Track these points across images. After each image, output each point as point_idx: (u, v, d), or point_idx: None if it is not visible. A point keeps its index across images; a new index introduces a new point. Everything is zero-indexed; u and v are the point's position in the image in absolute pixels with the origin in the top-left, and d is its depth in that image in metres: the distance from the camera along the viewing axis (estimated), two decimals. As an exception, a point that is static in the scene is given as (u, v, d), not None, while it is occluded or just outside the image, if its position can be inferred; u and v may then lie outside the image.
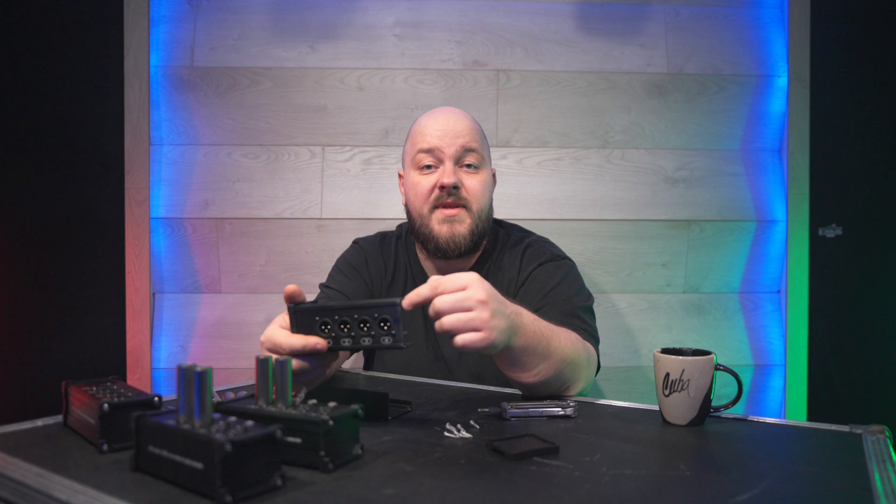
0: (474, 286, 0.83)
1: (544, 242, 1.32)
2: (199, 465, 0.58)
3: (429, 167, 1.23)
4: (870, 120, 1.75)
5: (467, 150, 1.22)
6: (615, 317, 1.74)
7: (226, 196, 1.72)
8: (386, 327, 0.82)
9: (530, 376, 0.95)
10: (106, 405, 0.69)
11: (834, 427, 0.84)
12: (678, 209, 1.74)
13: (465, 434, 0.80)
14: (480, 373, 1.22)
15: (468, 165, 1.23)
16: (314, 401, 0.71)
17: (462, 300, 0.82)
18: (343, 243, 1.43)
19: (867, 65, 1.75)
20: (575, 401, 0.93)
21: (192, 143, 1.71)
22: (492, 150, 1.69)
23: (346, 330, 0.84)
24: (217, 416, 0.63)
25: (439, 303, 0.82)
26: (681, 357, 0.84)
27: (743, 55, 1.75)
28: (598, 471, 0.67)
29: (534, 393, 0.98)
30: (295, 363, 0.82)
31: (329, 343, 0.85)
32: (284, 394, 0.69)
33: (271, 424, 0.60)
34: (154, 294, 1.71)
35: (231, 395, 0.78)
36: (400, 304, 0.81)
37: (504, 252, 1.29)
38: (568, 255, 1.29)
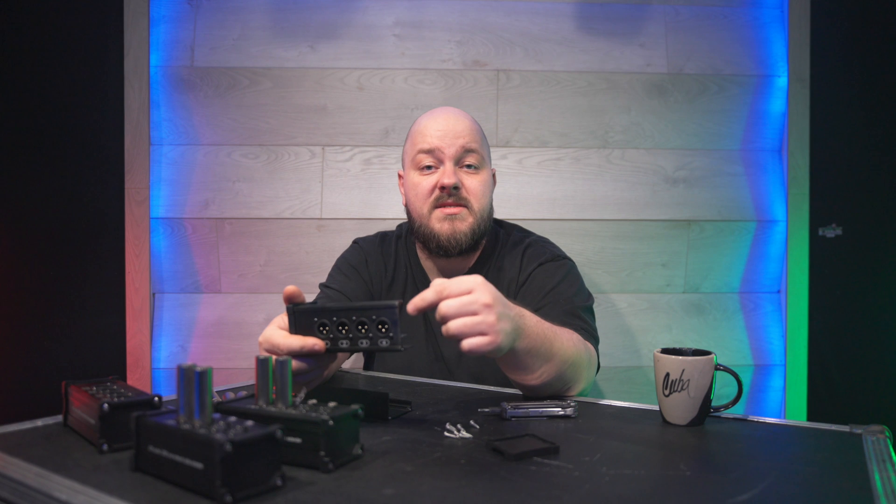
0: (479, 289, 0.82)
1: (544, 242, 1.32)
2: (199, 465, 0.58)
3: (429, 167, 1.23)
4: (870, 120, 1.75)
5: (467, 151, 1.22)
6: (615, 317, 1.74)
7: (226, 196, 1.72)
8: (384, 329, 0.82)
9: (533, 378, 0.95)
10: (106, 405, 0.69)
11: (834, 427, 0.84)
12: (678, 209, 1.74)
13: (465, 434, 0.80)
14: (480, 373, 1.22)
15: (468, 166, 1.23)
16: (314, 401, 0.71)
17: (468, 304, 0.81)
18: (343, 243, 1.43)
19: (867, 65, 1.75)
20: (575, 401, 0.93)
21: (192, 143, 1.71)
22: (492, 150, 1.69)
23: (344, 331, 0.84)
24: (217, 416, 0.63)
25: (445, 307, 0.81)
26: (681, 357, 0.84)
27: (743, 55, 1.75)
28: (598, 471, 0.67)
29: (535, 394, 0.98)
30: (293, 364, 0.82)
31: (327, 344, 0.85)
32: (284, 394, 0.69)
33: (271, 424, 0.60)
34: (154, 294, 1.71)
35: (231, 395, 0.78)
36: (398, 307, 0.81)
37: (504, 252, 1.29)
38: (568, 255, 1.29)
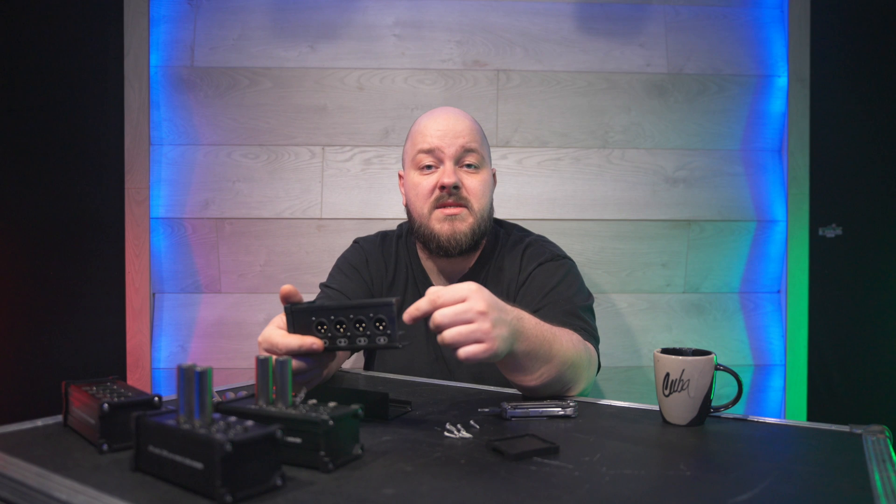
0: (473, 297, 0.82)
1: (544, 242, 1.32)
2: (199, 465, 0.58)
3: (429, 167, 1.23)
4: (870, 120, 1.75)
5: (467, 151, 1.22)
6: (615, 317, 1.74)
7: (226, 196, 1.72)
8: (381, 327, 0.81)
9: (532, 379, 0.95)
10: (106, 405, 0.69)
11: (834, 427, 0.84)
12: (678, 209, 1.74)
13: (465, 434, 0.80)
14: (480, 373, 1.22)
15: (468, 165, 1.23)
16: (314, 401, 0.71)
17: (462, 312, 0.81)
18: (343, 243, 1.43)
19: (867, 65, 1.75)
20: (575, 401, 0.93)
21: (192, 143, 1.71)
22: (492, 150, 1.69)
23: (341, 330, 0.83)
24: (217, 416, 0.63)
25: (439, 316, 0.81)
26: (681, 357, 0.84)
27: (743, 55, 1.75)
28: (598, 471, 0.67)
29: (535, 394, 0.98)
30: (292, 363, 0.82)
31: (325, 343, 0.84)
32: (284, 394, 0.69)
33: (271, 424, 0.60)
34: (154, 294, 1.71)
35: (231, 395, 0.78)
36: (395, 304, 0.80)
37: (504, 252, 1.29)
38: (568, 254, 1.29)
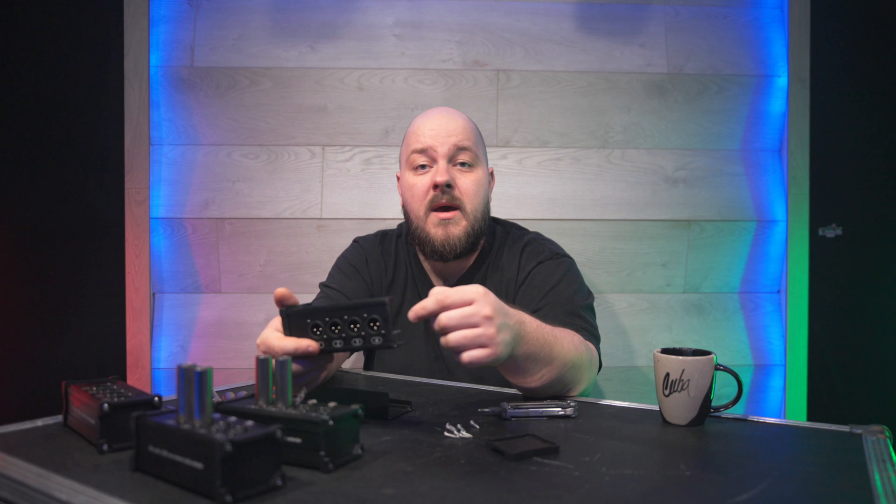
0: (480, 301, 0.82)
1: (543, 240, 1.31)
2: (199, 465, 0.58)
3: (423, 167, 1.23)
4: (870, 120, 1.75)
5: (460, 149, 1.22)
6: (615, 317, 1.74)
7: (226, 196, 1.72)
8: (376, 327, 0.81)
9: (533, 381, 0.95)
10: (106, 405, 0.69)
11: (834, 427, 0.84)
12: (678, 209, 1.74)
13: (465, 434, 0.80)
14: (480, 373, 1.21)
15: (462, 164, 1.23)
16: (314, 401, 0.71)
17: (468, 316, 0.81)
18: (343, 243, 1.43)
19: (867, 65, 1.75)
20: (575, 401, 0.93)
21: (192, 143, 1.71)
22: (492, 150, 1.69)
23: (336, 331, 0.83)
24: (217, 416, 0.63)
25: (445, 318, 0.81)
26: (681, 357, 0.84)
27: (743, 55, 1.75)
28: (598, 471, 0.67)
29: (535, 395, 0.98)
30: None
31: (321, 345, 0.84)
32: (284, 394, 0.69)
33: (271, 424, 0.60)
34: (154, 294, 1.71)
35: (231, 395, 0.78)
36: (388, 304, 0.80)
37: (503, 251, 1.29)
38: (567, 253, 1.29)
